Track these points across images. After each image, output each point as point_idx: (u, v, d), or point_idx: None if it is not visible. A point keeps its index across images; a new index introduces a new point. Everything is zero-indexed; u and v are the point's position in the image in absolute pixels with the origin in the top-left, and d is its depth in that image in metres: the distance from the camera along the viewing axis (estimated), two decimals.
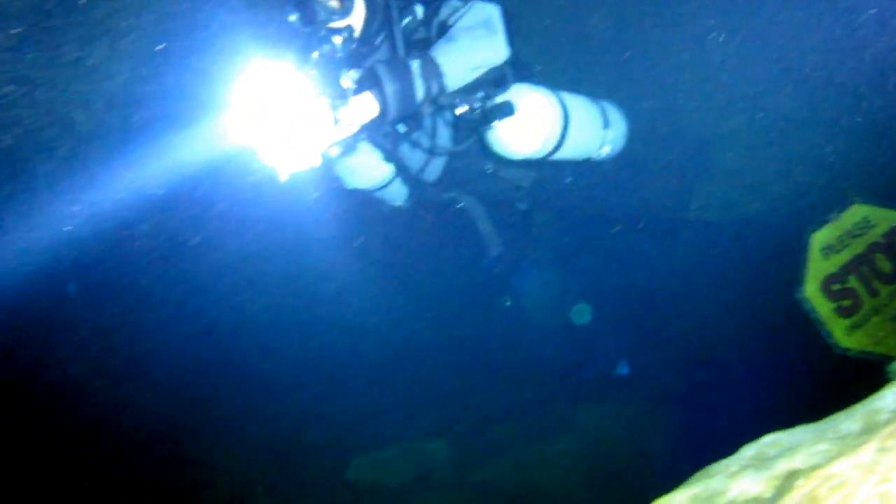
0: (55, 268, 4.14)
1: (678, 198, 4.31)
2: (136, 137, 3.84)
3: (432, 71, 2.39)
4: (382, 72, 2.32)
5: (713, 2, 3.80)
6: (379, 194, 3.08)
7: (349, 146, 2.62)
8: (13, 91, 3.38)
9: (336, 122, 2.21)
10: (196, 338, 5.08)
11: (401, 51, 2.58)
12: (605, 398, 4.66)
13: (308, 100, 2.16)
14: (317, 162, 2.21)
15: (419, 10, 2.72)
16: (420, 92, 2.37)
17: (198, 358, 5.16)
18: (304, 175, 2.24)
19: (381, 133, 2.79)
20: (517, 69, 2.79)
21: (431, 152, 2.91)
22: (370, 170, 2.91)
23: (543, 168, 3.13)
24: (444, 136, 2.86)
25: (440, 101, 2.46)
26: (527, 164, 2.93)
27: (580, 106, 3.01)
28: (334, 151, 2.50)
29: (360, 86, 2.37)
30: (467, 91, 2.56)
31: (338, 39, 2.46)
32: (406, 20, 2.67)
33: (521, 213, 3.38)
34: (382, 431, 5.23)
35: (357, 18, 2.55)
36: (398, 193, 3.08)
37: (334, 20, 2.48)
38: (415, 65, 2.38)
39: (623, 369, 4.67)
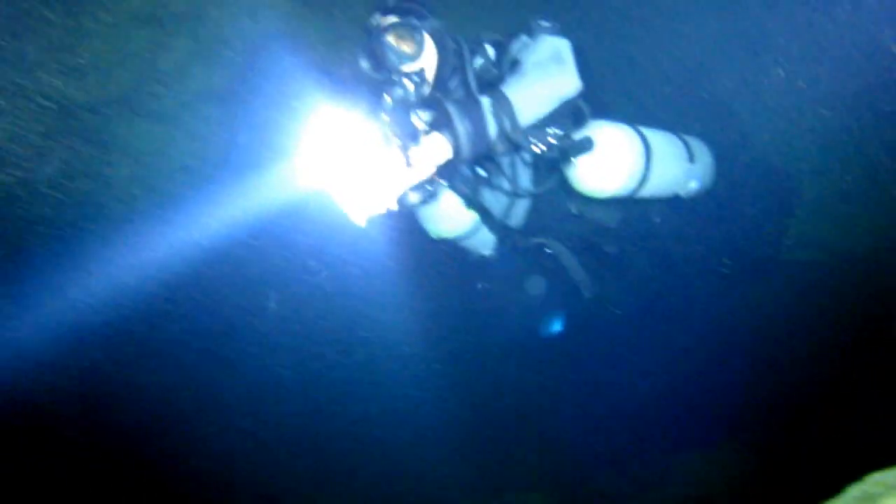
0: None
1: (769, 237, 4.23)
2: (205, 184, 3.92)
3: (504, 106, 2.33)
4: (453, 110, 2.28)
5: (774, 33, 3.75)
6: (464, 243, 3.02)
7: (430, 193, 2.55)
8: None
9: (408, 163, 2.19)
10: (282, 389, 5.17)
11: (474, 91, 2.53)
12: (704, 446, 4.58)
13: (380, 143, 2.18)
14: (393, 206, 2.23)
15: (490, 50, 2.71)
16: (492, 128, 2.31)
17: (281, 412, 5.28)
18: (385, 220, 2.27)
19: (460, 177, 2.77)
20: (593, 105, 2.69)
21: (513, 195, 2.85)
22: (453, 217, 2.86)
23: (630, 208, 3.01)
24: (525, 178, 2.80)
25: (514, 138, 2.38)
26: (612, 203, 2.83)
27: (662, 140, 2.90)
28: (414, 198, 2.44)
29: (432, 126, 2.37)
30: (542, 127, 2.51)
31: (409, 84, 2.45)
32: (477, 61, 2.66)
33: (610, 256, 3.23)
34: (481, 484, 5.20)
35: (428, 61, 2.54)
36: (484, 241, 3.02)
37: (406, 64, 2.48)
38: (485, 101, 2.33)
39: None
